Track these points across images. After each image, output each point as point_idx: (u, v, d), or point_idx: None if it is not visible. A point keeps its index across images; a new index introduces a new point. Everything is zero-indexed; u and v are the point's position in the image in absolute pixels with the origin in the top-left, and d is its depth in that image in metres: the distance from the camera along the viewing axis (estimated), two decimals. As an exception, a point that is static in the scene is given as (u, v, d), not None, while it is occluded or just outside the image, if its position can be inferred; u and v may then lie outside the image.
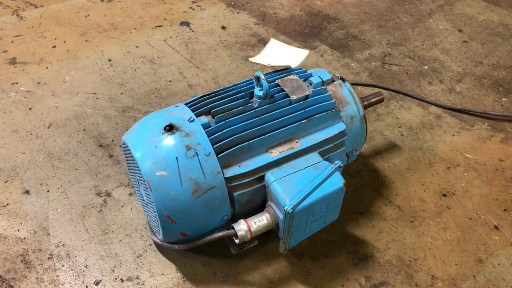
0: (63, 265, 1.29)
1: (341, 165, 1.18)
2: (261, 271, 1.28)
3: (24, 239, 1.34)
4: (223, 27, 2.16)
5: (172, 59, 1.98)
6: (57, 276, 1.26)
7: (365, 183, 1.52)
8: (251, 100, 1.23)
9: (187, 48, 2.04)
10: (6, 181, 1.50)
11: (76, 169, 1.53)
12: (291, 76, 1.30)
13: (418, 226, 1.39)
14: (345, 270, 1.29)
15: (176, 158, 1.10)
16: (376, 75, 1.92)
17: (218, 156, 1.12)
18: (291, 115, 1.21)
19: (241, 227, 1.14)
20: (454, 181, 1.52)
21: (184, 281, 1.26)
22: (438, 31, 2.22)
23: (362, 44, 2.09)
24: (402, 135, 1.68)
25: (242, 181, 1.15)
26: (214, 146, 1.13)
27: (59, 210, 1.41)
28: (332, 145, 1.24)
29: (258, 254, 1.31)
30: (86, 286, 1.24)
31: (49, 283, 1.25)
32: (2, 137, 1.64)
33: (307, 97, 1.25)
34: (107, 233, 1.36)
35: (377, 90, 1.58)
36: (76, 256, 1.31)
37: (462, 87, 1.90)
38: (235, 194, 1.15)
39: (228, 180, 1.13)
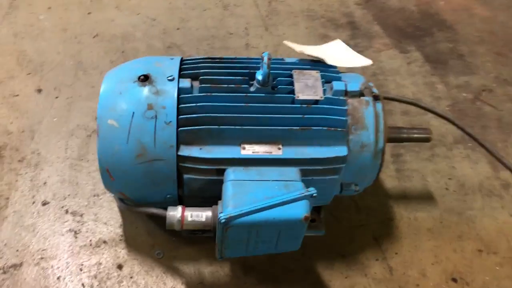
0: (26, 173, 1.27)
1: (314, 194, 0.95)
2: (198, 267, 1.14)
3: (11, 133, 1.35)
4: (319, -5, 1.91)
5: (246, 11, 1.81)
6: (16, 181, 1.25)
7: (367, 224, 1.26)
8: (251, 82, 1.04)
9: (269, 5, 1.85)
10: (29, 73, 1.51)
11: (93, 87, 1.49)
12: (313, 72, 1.07)
13: (400, 301, 1.13)
14: (285, 309, 1.09)
15: (133, 113, 0.97)
16: (459, 108, 1.57)
17: (180, 129, 0.97)
18: (285, 115, 1.00)
19: (174, 214, 0.99)
20: (477, 269, 1.19)
21: (120, 240, 1.17)
22: None
23: (464, 67, 1.71)
24: (447, 189, 1.36)
25: (197, 166, 0.99)
26: (180, 116, 0.98)
27: (55, 120, 1.39)
28: (321, 167, 1.02)
29: (207, 248, 1.16)
30: (33, 202, 1.21)
31: (5, 184, 1.24)
32: (51, 32, 1.65)
33: (316, 102, 1.02)
34: (81, 159, 1.31)
35: (426, 126, 1.28)
36: (42, 169, 1.28)
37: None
38: (185, 176, 1.00)
39: (181, 158, 0.98)
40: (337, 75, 1.09)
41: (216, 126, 0.98)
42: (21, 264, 1.11)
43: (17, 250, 1.13)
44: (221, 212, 0.92)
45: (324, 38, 1.72)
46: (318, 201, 1.10)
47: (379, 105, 1.07)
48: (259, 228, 0.94)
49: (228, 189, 0.96)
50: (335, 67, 1.12)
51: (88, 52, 1.59)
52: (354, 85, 1.06)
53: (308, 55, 1.13)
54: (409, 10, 1.90)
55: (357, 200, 1.30)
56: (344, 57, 1.21)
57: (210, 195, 1.01)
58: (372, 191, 1.32)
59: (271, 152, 1.00)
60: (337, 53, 1.22)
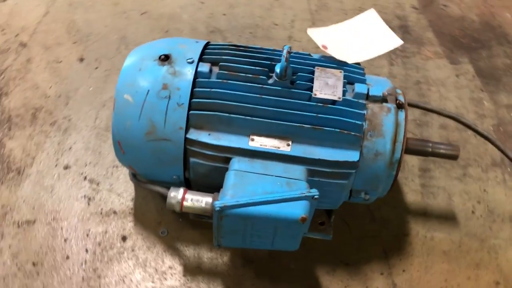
0: (55, 136, 1.33)
1: (316, 196, 0.93)
2: (198, 251, 1.15)
3: (48, 97, 1.41)
4: (375, -5, 1.84)
5: (296, 3, 1.78)
6: (44, 142, 1.31)
7: (379, 236, 1.21)
8: (271, 74, 1.02)
9: (320, 0, 1.80)
10: (75, 42, 1.57)
11: (132, 62, 1.52)
12: (336, 71, 1.03)
13: (398, 320, 1.08)
14: (276, 307, 1.08)
15: (148, 91, 0.98)
16: (505, 130, 1.46)
17: (191, 112, 0.97)
18: (299, 112, 0.97)
19: (175, 195, 1.00)
20: (490, 302, 1.12)
21: (129, 213, 1.20)
22: None
23: (520, 87, 1.59)
24: (473, 212, 1.27)
25: (204, 151, 0.99)
26: (193, 99, 0.98)
27: (91, 89, 1.44)
28: (329, 170, 0.98)
29: (211, 234, 1.14)
30: (56, 165, 1.27)
31: (34, 145, 1.31)
32: (102, 5, 1.70)
33: (333, 102, 0.99)
34: (108, 130, 1.35)
35: (464, 143, 1.20)
36: (70, 135, 1.33)
37: None
38: (191, 159, 1.01)
39: (189, 141, 0.98)
40: (362, 77, 1.04)
41: (227, 114, 0.97)
42: (34, 222, 1.16)
43: (33, 208, 1.18)
44: (217, 200, 0.92)
45: (371, 39, 1.66)
46: (325, 205, 1.07)
47: (401, 114, 1.02)
48: (255, 222, 0.93)
49: (230, 178, 0.96)
50: (362, 68, 1.07)
51: (134, 28, 1.63)
52: (378, 90, 1.01)
53: (330, 56, 1.08)
54: (470, 20, 1.78)
55: (374, 210, 1.25)
56: (371, 43, 1.14)
57: (215, 182, 1.01)
58: (390, 203, 1.27)
59: (279, 147, 0.98)
60: (365, 37, 1.15)
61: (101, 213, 1.19)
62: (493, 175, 1.35)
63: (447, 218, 1.25)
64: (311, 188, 0.93)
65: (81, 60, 1.52)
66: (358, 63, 1.10)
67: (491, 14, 1.84)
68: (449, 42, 1.69)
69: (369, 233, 1.21)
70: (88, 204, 1.20)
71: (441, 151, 1.12)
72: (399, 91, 1.08)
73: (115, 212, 1.20)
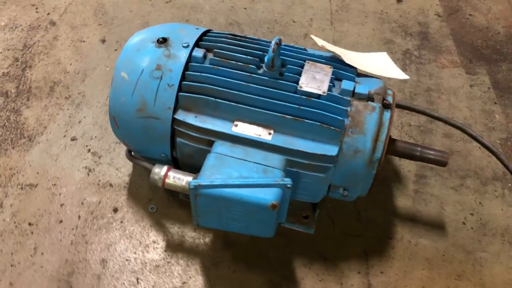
0: (68, 109, 1.41)
1: (289, 185, 0.95)
2: (183, 229, 1.20)
3: (67, 73, 1.50)
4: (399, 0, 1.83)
5: (318, 2, 1.79)
6: (57, 114, 1.40)
7: (362, 236, 1.21)
8: (262, 64, 1.05)
9: (342, 1, 1.81)
10: (100, 25, 1.66)
11: (149, 47, 1.59)
12: (326, 67, 1.05)
13: (368, 319, 1.08)
14: (248, 291, 1.11)
15: (142, 70, 1.04)
16: (513, 144, 1.42)
17: (180, 93, 1.02)
18: (282, 102, 1.00)
19: (158, 171, 1.05)
20: (466, 314, 1.10)
21: (124, 187, 1.26)
22: None
23: (536, 103, 1.54)
24: (464, 223, 1.25)
25: (190, 133, 1.03)
26: (184, 82, 1.02)
27: (107, 69, 1.52)
28: (307, 162, 1.00)
29: (197, 215, 1.21)
30: (65, 136, 1.35)
31: (47, 116, 1.39)
32: (131, -9, 1.78)
33: (318, 96, 1.01)
34: (117, 109, 1.42)
35: (467, 154, 1.18)
36: (81, 110, 1.41)
37: None
38: (178, 140, 1.05)
39: (176, 121, 1.03)
40: (351, 74, 1.05)
41: (214, 98, 1.01)
42: (36, 185, 1.25)
43: (38, 173, 1.27)
44: (193, 179, 0.96)
45: (388, 43, 1.65)
46: (304, 197, 1.09)
47: (387, 114, 1.02)
48: (227, 204, 0.96)
49: (209, 160, 1.00)
50: (354, 67, 1.08)
51: (157, 15, 1.70)
52: (363, 88, 1.02)
53: (327, 53, 1.10)
54: (494, 31, 1.74)
55: (361, 210, 1.26)
56: (377, 67, 1.16)
57: (199, 164, 1.04)
58: (379, 205, 1.27)
59: (260, 135, 1.01)
60: (373, 62, 1.17)
61: (98, 184, 1.26)
62: (492, 188, 1.32)
63: (436, 226, 1.24)
64: (288, 178, 0.95)
65: (103, 41, 1.60)
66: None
67: (519, 27, 1.79)
68: (469, 52, 1.65)
69: (352, 232, 1.22)
70: (88, 174, 1.28)
71: (430, 156, 1.11)
72: (389, 92, 1.08)
73: (111, 185, 1.26)
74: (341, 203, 1.25)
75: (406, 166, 1.34)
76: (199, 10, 1.74)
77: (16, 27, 1.62)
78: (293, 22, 1.72)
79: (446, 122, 1.33)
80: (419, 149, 1.11)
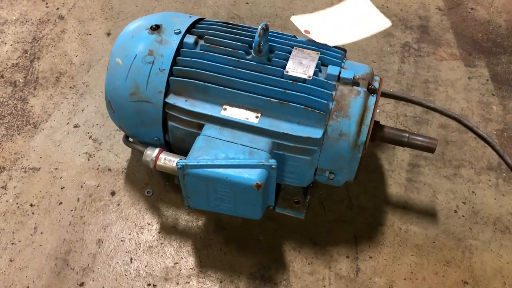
0: (72, 98, 1.47)
1: (273, 166, 0.98)
2: (177, 213, 1.23)
3: (73, 64, 1.56)
4: (402, -6, 1.84)
5: (320, -3, 1.82)
6: (62, 103, 1.45)
7: (353, 222, 1.23)
8: (251, 50, 1.08)
9: (344, -4, 1.82)
10: (106, 19, 1.71)
11: (153, 39, 1.64)
12: (313, 52, 1.07)
13: (354, 302, 1.10)
14: (239, 274, 1.13)
15: (135, 55, 1.08)
16: (509, 135, 1.42)
17: (171, 78, 1.06)
18: (268, 86, 1.03)
19: (150, 153, 1.09)
20: (453, 299, 1.10)
21: (122, 172, 1.31)
22: None
23: (536, 96, 1.53)
24: (456, 212, 1.25)
25: (181, 116, 1.07)
26: (175, 67, 1.06)
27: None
28: (292, 145, 1.03)
29: (191, 199, 1.25)
30: (68, 123, 1.41)
31: (52, 104, 1.45)
32: (140, -14, 1.84)
33: (304, 81, 1.03)
34: (118, 98, 1.47)
35: (462, 144, 1.19)
36: (85, 99, 1.47)
37: None
38: (169, 123, 1.09)
39: (167, 105, 1.07)
40: (337, 60, 1.07)
41: (203, 83, 1.04)
42: (39, 169, 1.30)
43: (40, 157, 1.32)
44: (182, 159, 1.00)
45: (387, 37, 1.67)
46: (291, 180, 1.12)
47: (372, 99, 1.04)
48: (214, 184, 1.00)
49: (198, 142, 1.03)
50: (342, 52, 1.11)
51: (161, 10, 1.75)
52: (348, 73, 1.04)
53: (311, 40, 1.12)
54: (496, 24, 1.73)
55: (353, 197, 1.27)
56: (357, 26, 1.16)
57: (191, 147, 1.08)
58: (371, 192, 1.28)
59: (247, 119, 1.04)
60: (351, 20, 1.17)
61: (97, 169, 1.31)
62: (485, 178, 1.32)
63: (427, 214, 1.25)
64: (273, 159, 0.98)
65: (108, 34, 1.66)
66: (341, 47, 1.13)
67: (522, 21, 1.78)
68: (469, 45, 1.65)
69: (343, 218, 1.24)
70: (88, 159, 1.33)
71: (418, 142, 1.13)
72: (377, 78, 1.10)
73: (109, 170, 1.31)
74: (333, 190, 1.28)
75: (400, 155, 1.35)
76: (202, 4, 1.78)
77: (26, 21, 1.69)
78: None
79: (441, 112, 1.35)
80: (407, 135, 1.12)
